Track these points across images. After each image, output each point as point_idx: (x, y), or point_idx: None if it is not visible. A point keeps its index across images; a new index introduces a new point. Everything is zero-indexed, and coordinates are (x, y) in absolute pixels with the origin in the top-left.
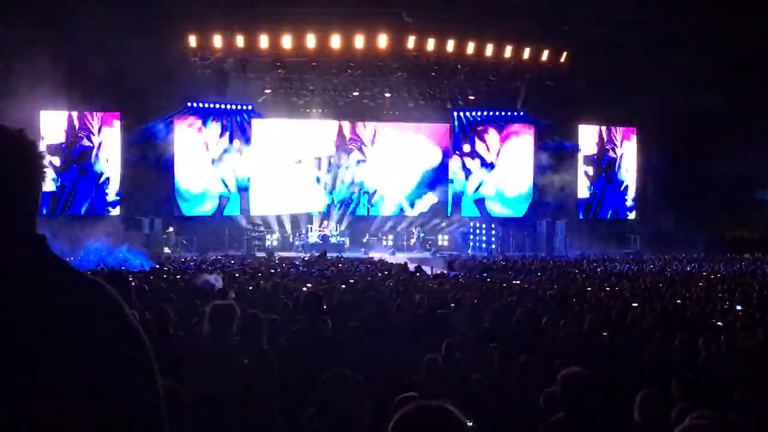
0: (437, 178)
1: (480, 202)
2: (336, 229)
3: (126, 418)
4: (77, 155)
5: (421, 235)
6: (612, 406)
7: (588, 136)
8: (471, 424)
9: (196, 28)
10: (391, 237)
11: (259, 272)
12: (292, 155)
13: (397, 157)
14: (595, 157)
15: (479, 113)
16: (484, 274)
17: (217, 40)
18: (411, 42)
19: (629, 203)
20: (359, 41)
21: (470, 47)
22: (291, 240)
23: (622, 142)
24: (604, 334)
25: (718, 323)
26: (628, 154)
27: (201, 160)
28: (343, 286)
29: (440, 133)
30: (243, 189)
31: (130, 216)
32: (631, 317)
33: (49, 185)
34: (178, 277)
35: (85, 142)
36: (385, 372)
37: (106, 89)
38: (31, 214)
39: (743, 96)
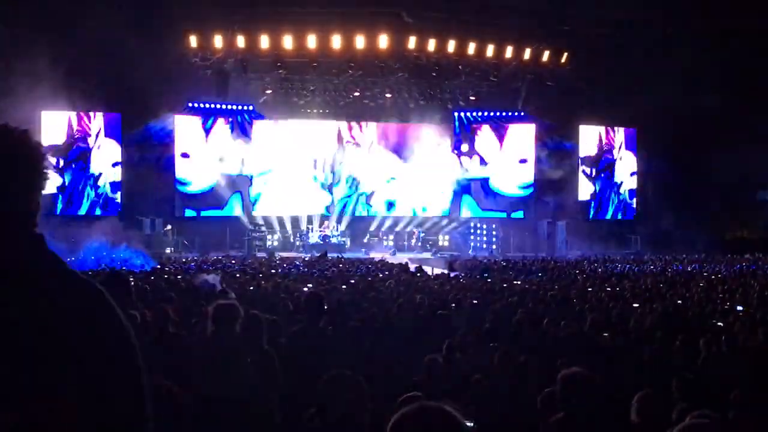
0: (438, 178)
1: (481, 203)
2: (336, 230)
3: (108, 417)
4: (78, 155)
5: (422, 235)
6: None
7: (588, 137)
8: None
9: (196, 28)
10: (391, 237)
11: (260, 272)
12: (293, 156)
13: (397, 157)
14: (596, 157)
15: (480, 113)
16: (485, 275)
17: (218, 41)
18: (412, 42)
19: (630, 203)
20: (360, 41)
21: (471, 47)
22: (292, 240)
23: (622, 142)
24: (605, 334)
25: (719, 324)
26: (628, 154)
27: (202, 161)
28: (344, 286)
29: (441, 134)
30: (244, 189)
31: (131, 216)
32: (632, 318)
33: (49, 185)
34: (179, 277)
35: (86, 142)
36: (385, 372)
37: (106, 89)
38: (32, 214)
39: (743, 96)
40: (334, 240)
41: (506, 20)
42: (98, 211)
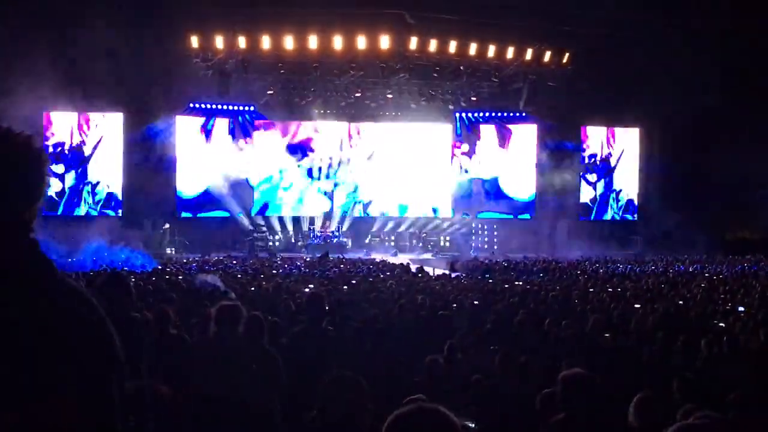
0: (439, 179)
1: (482, 203)
2: (338, 230)
3: (80, 418)
4: (79, 156)
5: (423, 236)
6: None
7: (590, 137)
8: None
9: (197, 28)
10: (393, 238)
11: (261, 273)
12: (294, 157)
13: (399, 158)
14: (597, 157)
15: (481, 114)
16: (486, 275)
17: (219, 41)
18: (413, 43)
19: (631, 204)
20: (361, 42)
21: (472, 48)
22: (293, 241)
23: (623, 142)
24: (606, 335)
25: (720, 324)
26: (630, 154)
27: (203, 161)
28: (345, 287)
29: (442, 134)
30: (245, 190)
31: (132, 217)
32: (634, 318)
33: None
34: (180, 277)
35: (87, 143)
36: (387, 373)
37: (108, 90)
38: (30, 220)
39: (745, 97)
40: (335, 241)
41: (508, 20)
42: (99, 212)
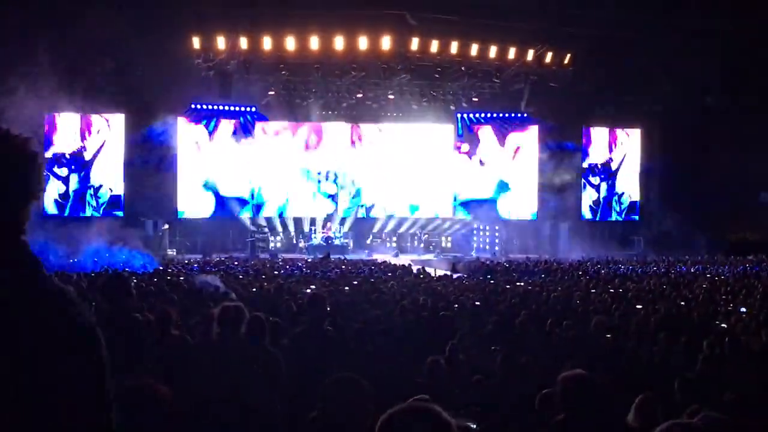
0: (441, 180)
1: (483, 204)
2: (339, 231)
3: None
4: (81, 156)
5: (425, 236)
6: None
7: (591, 138)
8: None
9: (199, 29)
10: (394, 239)
11: (262, 274)
12: (295, 158)
13: (400, 159)
14: (599, 158)
15: (483, 115)
16: (488, 276)
17: (221, 42)
18: (414, 44)
19: (633, 205)
20: (362, 43)
21: (474, 49)
22: (295, 242)
23: (625, 143)
24: (608, 336)
25: (722, 325)
26: (631, 155)
27: (204, 162)
28: (347, 288)
29: (443, 135)
30: (247, 191)
31: (134, 217)
32: (636, 319)
33: (52, 187)
34: (181, 278)
35: (89, 143)
36: (388, 374)
37: (109, 91)
38: (22, 222)
39: (747, 97)
40: (337, 242)
41: (509, 21)
42: (101, 213)
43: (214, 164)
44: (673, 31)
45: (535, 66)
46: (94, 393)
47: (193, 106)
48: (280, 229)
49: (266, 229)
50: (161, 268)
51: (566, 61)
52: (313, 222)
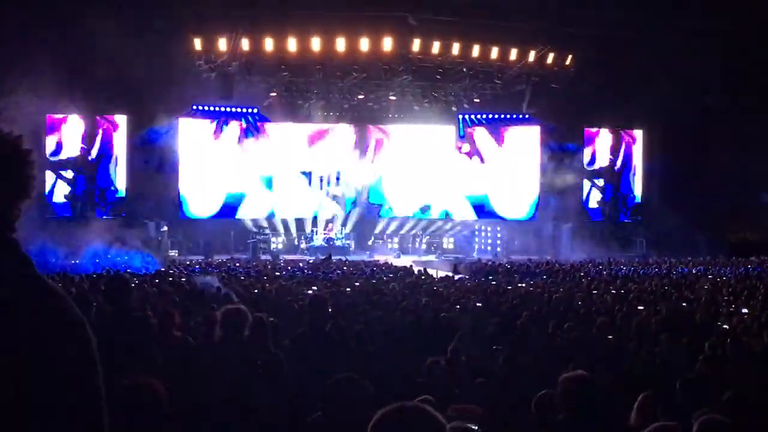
0: (442, 181)
1: (485, 205)
2: (341, 232)
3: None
4: (82, 158)
5: (426, 237)
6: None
7: (593, 139)
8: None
9: (200, 30)
10: (396, 240)
11: (264, 275)
12: (296, 159)
13: (402, 160)
14: (600, 159)
15: (484, 116)
16: (490, 277)
17: (222, 43)
18: (416, 45)
19: (634, 205)
20: (364, 44)
21: (475, 50)
22: (296, 243)
23: (626, 144)
24: (610, 337)
25: (724, 326)
26: (632, 156)
27: (206, 163)
28: (349, 289)
29: (445, 136)
30: (248, 192)
31: (136, 219)
32: (637, 320)
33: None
34: (183, 279)
35: (90, 145)
36: (390, 375)
37: (111, 92)
38: (12, 220)
39: (747, 97)
40: (338, 243)
41: (510, 22)
42: (103, 214)
43: (214, 165)
44: (673, 31)
45: (536, 67)
46: (84, 390)
47: (194, 107)
48: (281, 230)
49: (267, 230)
50: (163, 269)
51: (568, 63)
52: (314, 223)
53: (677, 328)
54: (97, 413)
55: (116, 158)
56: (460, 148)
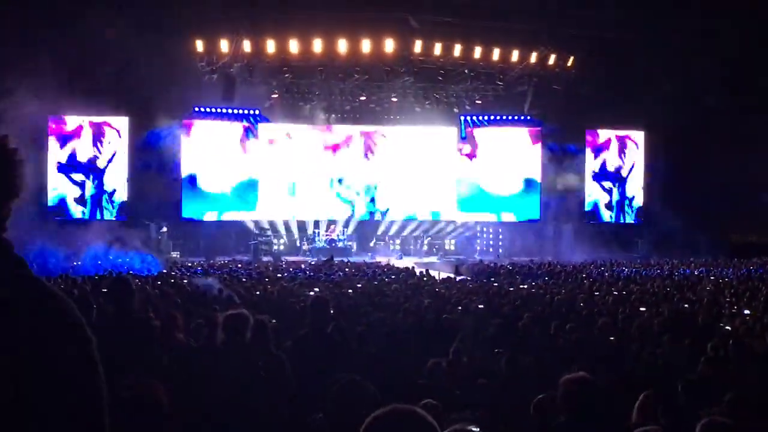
0: (444, 182)
1: (486, 206)
2: (343, 234)
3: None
4: (83, 159)
5: (428, 239)
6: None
7: (594, 140)
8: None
9: (202, 32)
10: (398, 241)
11: (266, 277)
12: (297, 160)
13: (403, 161)
14: (601, 160)
15: (486, 117)
16: (491, 279)
17: (224, 45)
18: (418, 46)
19: (635, 207)
20: (366, 46)
21: (477, 51)
22: (298, 244)
23: (628, 145)
24: (612, 338)
25: (726, 327)
26: (634, 157)
27: (206, 164)
28: (350, 290)
29: (447, 137)
30: (249, 192)
31: (137, 220)
32: (639, 322)
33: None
34: (185, 281)
35: (92, 147)
36: (392, 376)
37: (112, 94)
38: (3, 217)
39: (747, 97)
40: (340, 244)
41: (512, 24)
42: (104, 216)
43: (215, 166)
44: (673, 31)
45: (538, 68)
46: (85, 390)
47: (196, 109)
48: (283, 231)
49: (269, 232)
50: (164, 270)
51: (569, 64)
52: (316, 225)
53: (679, 330)
54: (98, 414)
55: (122, 162)
56: (461, 150)
